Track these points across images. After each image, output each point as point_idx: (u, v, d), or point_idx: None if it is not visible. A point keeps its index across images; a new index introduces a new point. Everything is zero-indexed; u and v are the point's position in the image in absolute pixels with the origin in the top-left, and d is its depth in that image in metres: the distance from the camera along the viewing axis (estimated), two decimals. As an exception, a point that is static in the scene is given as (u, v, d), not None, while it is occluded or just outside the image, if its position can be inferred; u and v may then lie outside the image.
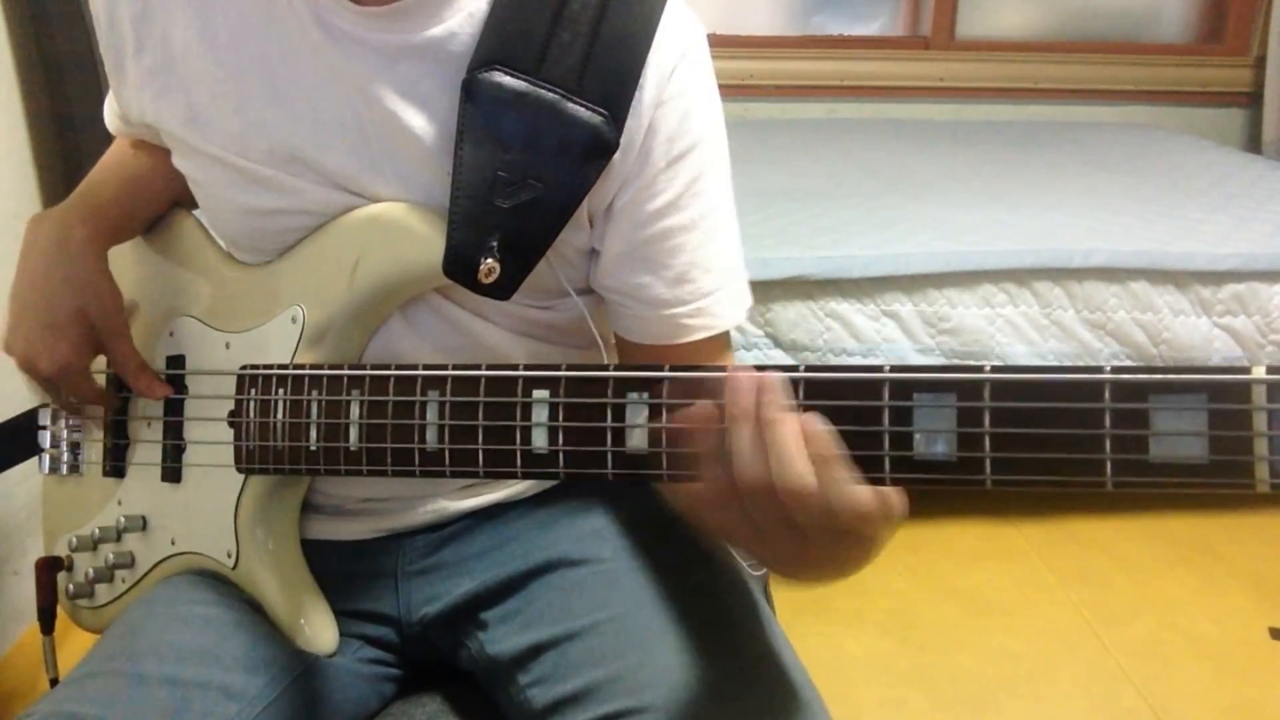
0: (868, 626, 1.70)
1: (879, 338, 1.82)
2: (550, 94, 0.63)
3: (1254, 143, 3.09)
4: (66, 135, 1.64)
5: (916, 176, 2.32)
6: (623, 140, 0.64)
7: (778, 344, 1.82)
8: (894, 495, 0.49)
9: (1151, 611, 1.75)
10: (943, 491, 0.48)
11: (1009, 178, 2.32)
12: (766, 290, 1.78)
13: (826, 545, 0.50)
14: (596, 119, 0.63)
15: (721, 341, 0.72)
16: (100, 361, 0.77)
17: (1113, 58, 3.12)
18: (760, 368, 0.51)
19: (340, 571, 0.76)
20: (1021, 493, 2.02)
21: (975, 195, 2.16)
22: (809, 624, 1.70)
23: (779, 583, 0.57)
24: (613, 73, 0.64)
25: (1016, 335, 1.84)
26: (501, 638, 0.73)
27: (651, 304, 0.69)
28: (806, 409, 0.49)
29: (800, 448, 0.47)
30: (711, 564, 0.75)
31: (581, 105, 0.63)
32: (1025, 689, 1.56)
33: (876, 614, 1.74)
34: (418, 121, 0.65)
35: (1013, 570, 1.86)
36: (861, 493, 0.48)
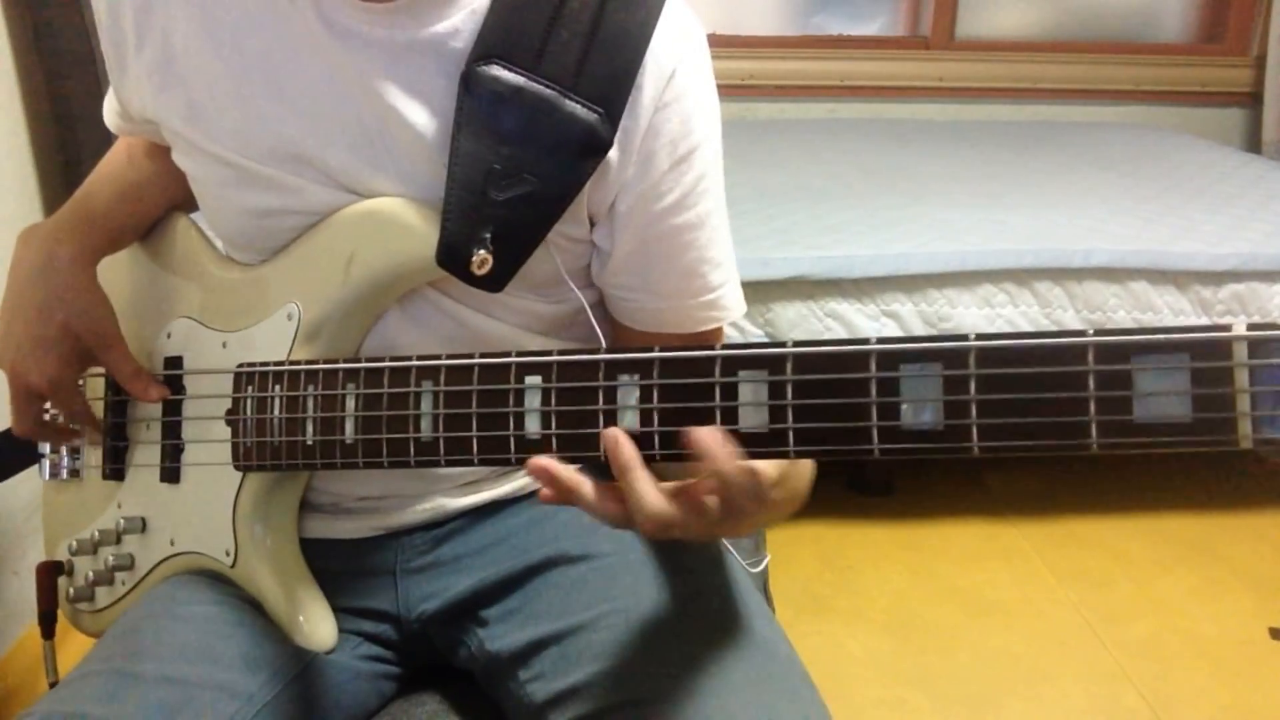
0: (868, 626, 1.70)
1: (879, 338, 1.82)
2: (547, 90, 0.63)
3: (1254, 143, 3.08)
4: (66, 135, 1.64)
5: (916, 176, 2.32)
6: (619, 139, 0.65)
7: (778, 344, 1.82)
8: (756, 467, 0.52)
9: (1151, 611, 1.75)
10: (933, 461, 0.48)
11: (1009, 178, 2.32)
12: (766, 290, 1.78)
13: (721, 528, 0.55)
14: (592, 117, 0.64)
15: (719, 331, 0.75)
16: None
17: (1113, 58, 3.12)
18: (744, 346, 0.52)
19: (339, 569, 0.76)
20: (1021, 492, 2.04)
21: (975, 195, 2.16)
22: (809, 624, 1.70)
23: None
24: (609, 72, 0.64)
25: (1016, 335, 1.84)
26: (501, 634, 0.73)
27: (663, 296, 0.71)
28: (796, 384, 0.51)
29: (654, 495, 0.52)
30: (710, 559, 0.75)
31: (577, 103, 0.63)
32: (1025, 689, 1.56)
33: (876, 614, 1.74)
34: (420, 118, 0.65)
35: (1013, 570, 1.86)
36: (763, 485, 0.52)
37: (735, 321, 0.77)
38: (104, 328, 0.75)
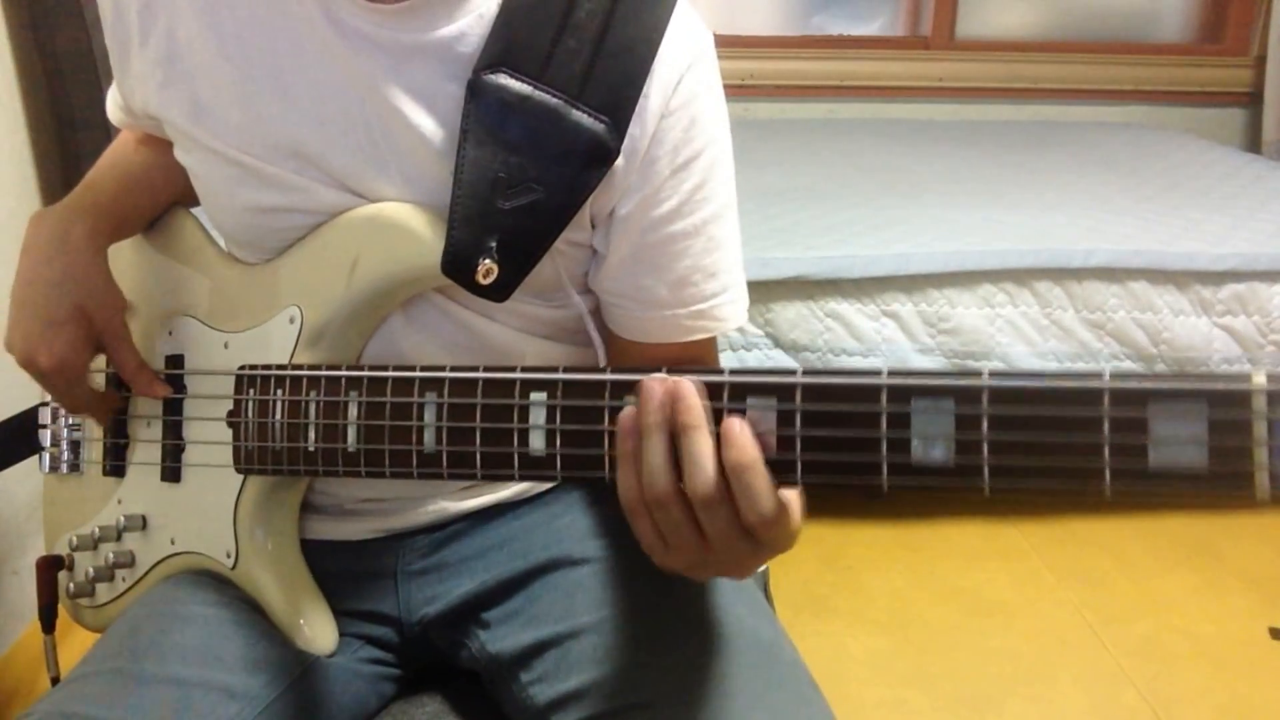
0: (868, 626, 1.70)
1: (879, 338, 1.82)
2: (553, 99, 0.63)
3: (1254, 143, 3.09)
4: (66, 135, 1.64)
5: (916, 176, 2.32)
6: (625, 147, 0.65)
7: (778, 344, 1.82)
8: (796, 504, 0.51)
9: (1151, 611, 1.74)
10: (940, 492, 0.48)
11: (1009, 178, 2.32)
12: (766, 290, 1.78)
13: (727, 552, 0.53)
14: (598, 126, 0.63)
15: (712, 340, 0.73)
16: (100, 360, 0.77)
17: (1113, 58, 3.12)
18: (752, 372, 0.52)
19: (340, 572, 0.76)
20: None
21: (975, 195, 2.16)
22: (809, 624, 1.70)
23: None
24: (616, 81, 0.64)
25: (1016, 335, 1.84)
26: (503, 636, 0.73)
27: (652, 305, 0.70)
28: (805, 413, 0.50)
29: (712, 458, 0.50)
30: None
31: (584, 112, 0.63)
32: (1025, 689, 1.56)
33: (876, 614, 1.74)
34: (424, 121, 0.65)
35: (1013, 570, 1.86)
36: (769, 501, 0.50)
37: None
38: (114, 313, 0.74)
